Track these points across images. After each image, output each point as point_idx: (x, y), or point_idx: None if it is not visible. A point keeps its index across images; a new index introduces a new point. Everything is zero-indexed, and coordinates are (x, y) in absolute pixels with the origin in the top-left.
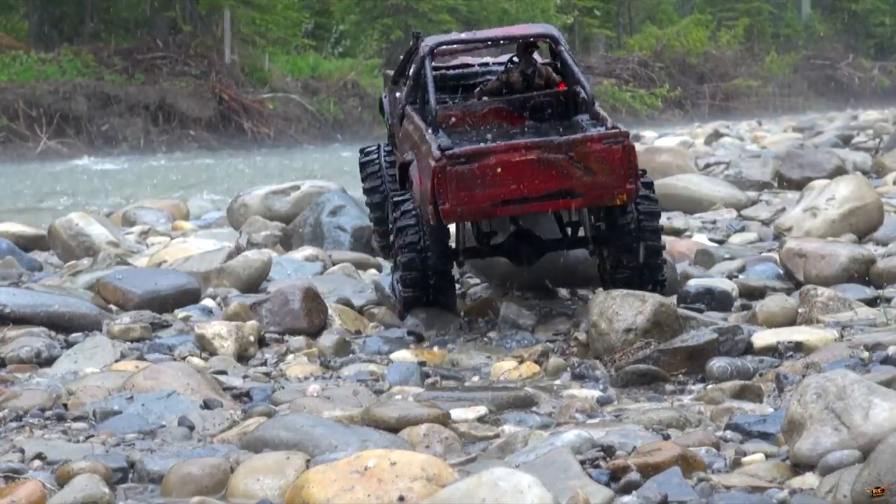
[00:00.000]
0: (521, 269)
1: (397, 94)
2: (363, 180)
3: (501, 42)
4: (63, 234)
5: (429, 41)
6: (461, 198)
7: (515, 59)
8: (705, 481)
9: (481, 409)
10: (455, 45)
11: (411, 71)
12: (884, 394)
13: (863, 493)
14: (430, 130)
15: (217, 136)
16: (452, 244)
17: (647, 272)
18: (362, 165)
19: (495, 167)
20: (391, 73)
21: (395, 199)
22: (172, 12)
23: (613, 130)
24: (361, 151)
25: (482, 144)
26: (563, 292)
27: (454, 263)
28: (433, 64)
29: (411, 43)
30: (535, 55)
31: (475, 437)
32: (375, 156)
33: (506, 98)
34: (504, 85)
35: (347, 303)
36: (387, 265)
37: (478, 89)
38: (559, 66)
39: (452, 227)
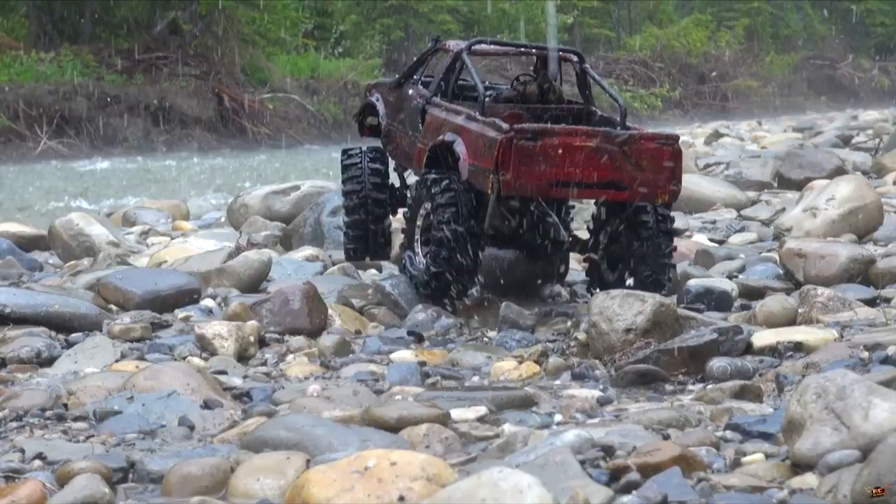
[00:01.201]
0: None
1: (409, 92)
2: (344, 182)
3: (532, 52)
4: (63, 234)
5: (458, 42)
6: (522, 172)
7: (524, 74)
8: (705, 481)
9: (481, 409)
10: (489, 48)
11: (444, 67)
12: (884, 394)
13: (863, 493)
14: (478, 113)
15: (217, 136)
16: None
17: (656, 280)
18: (345, 167)
19: (557, 148)
20: (385, 80)
21: (434, 176)
22: (172, 12)
23: (665, 133)
24: (344, 152)
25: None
26: (564, 292)
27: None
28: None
29: (429, 45)
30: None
31: (475, 437)
32: (359, 159)
33: (526, 105)
34: (520, 95)
35: (347, 303)
36: (387, 266)
37: (492, 96)
38: (585, 81)
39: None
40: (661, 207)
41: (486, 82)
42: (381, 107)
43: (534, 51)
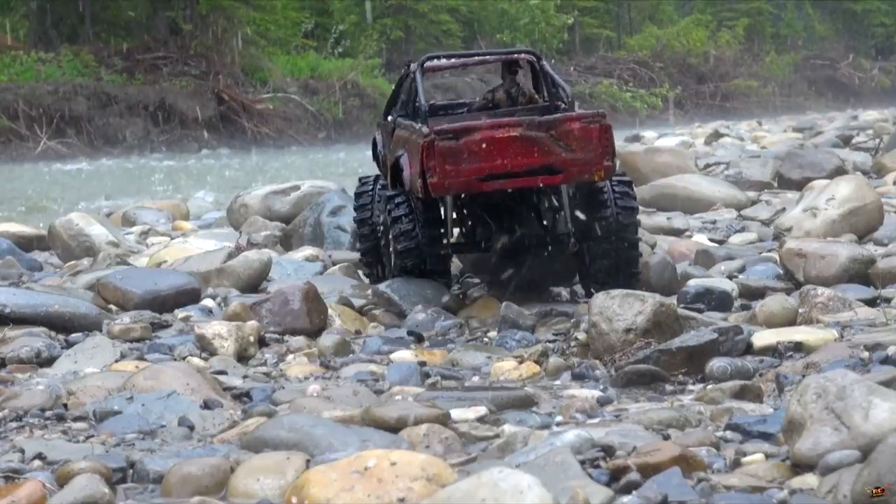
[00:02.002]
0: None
1: (389, 118)
2: (355, 210)
3: (488, 59)
4: (63, 234)
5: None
6: (448, 171)
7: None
8: (705, 481)
9: (481, 409)
10: (446, 62)
11: (404, 87)
12: (884, 394)
13: (863, 493)
14: (419, 122)
15: (217, 136)
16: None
17: (623, 266)
18: (357, 195)
19: (480, 143)
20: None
21: (389, 194)
22: (172, 12)
23: (591, 111)
24: (360, 180)
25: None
26: (564, 293)
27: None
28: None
29: (403, 71)
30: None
31: (475, 437)
32: (370, 187)
33: (492, 111)
34: (490, 103)
35: (347, 303)
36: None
37: (466, 108)
38: (539, 79)
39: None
40: (622, 200)
41: (460, 98)
42: (379, 139)
43: (488, 58)
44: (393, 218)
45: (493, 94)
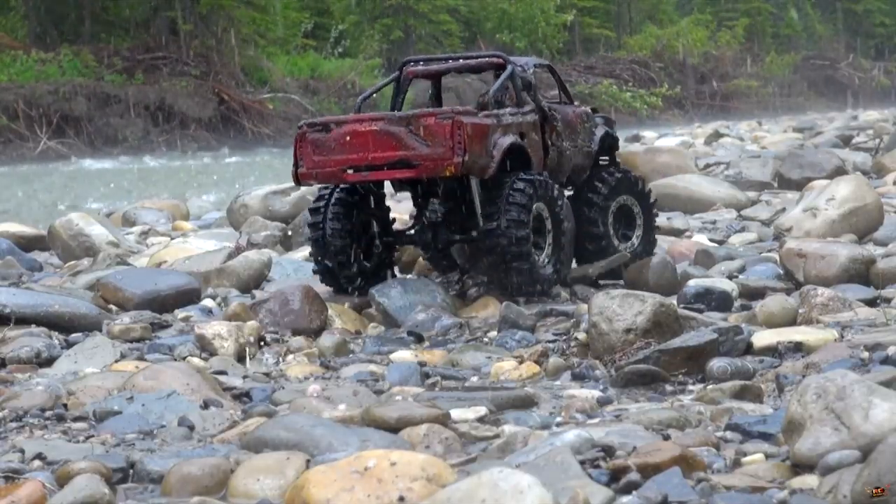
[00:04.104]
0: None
1: None
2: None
3: (460, 63)
4: (63, 234)
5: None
6: (315, 162)
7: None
8: (705, 481)
9: (481, 409)
10: (419, 68)
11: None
12: (884, 394)
13: (863, 493)
14: None
15: (217, 136)
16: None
17: (516, 279)
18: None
19: (345, 135)
20: None
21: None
22: (172, 12)
23: (445, 108)
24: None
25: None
26: (564, 293)
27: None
28: None
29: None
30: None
31: (475, 437)
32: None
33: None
34: (480, 106)
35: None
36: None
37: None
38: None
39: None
40: (515, 195)
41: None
42: None
43: (461, 62)
44: (308, 211)
45: (483, 96)
